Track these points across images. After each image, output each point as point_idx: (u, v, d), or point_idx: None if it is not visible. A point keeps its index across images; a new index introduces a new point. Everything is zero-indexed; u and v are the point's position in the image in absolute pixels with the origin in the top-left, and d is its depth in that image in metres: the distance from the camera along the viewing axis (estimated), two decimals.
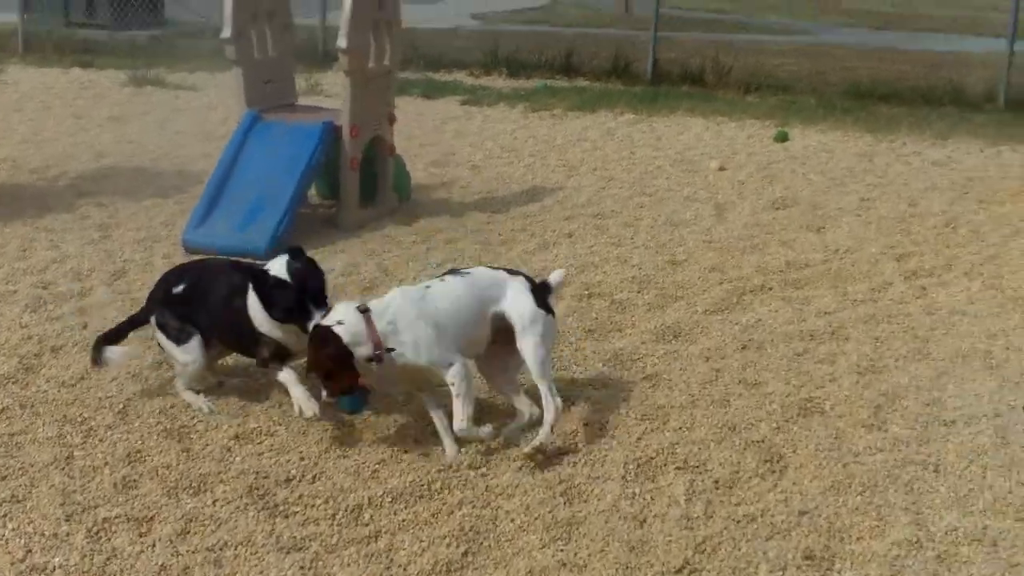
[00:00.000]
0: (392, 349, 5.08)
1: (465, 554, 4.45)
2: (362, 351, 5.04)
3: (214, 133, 12.11)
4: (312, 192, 9.39)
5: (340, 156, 8.83)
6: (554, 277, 5.61)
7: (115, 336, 5.79)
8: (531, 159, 11.56)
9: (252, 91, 9.03)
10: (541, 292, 5.46)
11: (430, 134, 12.60)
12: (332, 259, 8.01)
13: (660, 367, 6.28)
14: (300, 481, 4.95)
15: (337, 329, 5.03)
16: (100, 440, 5.28)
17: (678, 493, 4.92)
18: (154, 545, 4.43)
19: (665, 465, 5.17)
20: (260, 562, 4.35)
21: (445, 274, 5.56)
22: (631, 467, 5.13)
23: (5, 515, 4.60)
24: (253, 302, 5.42)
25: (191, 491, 4.85)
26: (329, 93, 14.37)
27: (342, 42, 8.57)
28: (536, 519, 4.69)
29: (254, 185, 8.54)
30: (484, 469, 5.07)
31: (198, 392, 5.71)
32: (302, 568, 4.31)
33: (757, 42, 21.92)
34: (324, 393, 5.12)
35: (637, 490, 4.95)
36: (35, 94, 14.33)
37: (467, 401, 5.17)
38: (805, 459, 5.25)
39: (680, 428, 5.54)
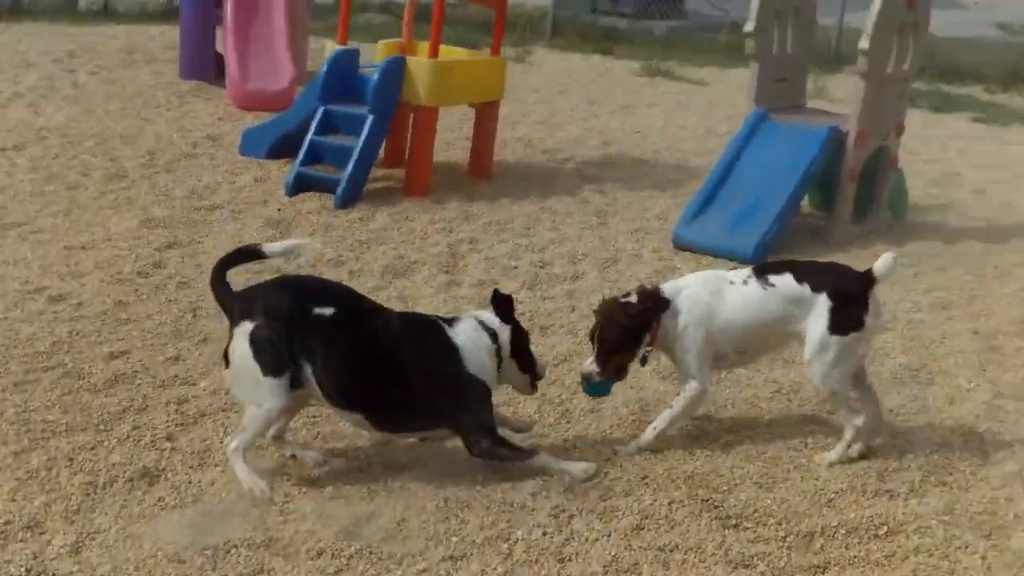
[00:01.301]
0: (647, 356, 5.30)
1: None
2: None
3: (715, 130, 12.34)
4: (803, 201, 9.32)
5: (839, 165, 8.67)
6: (880, 265, 5.20)
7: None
8: None
9: (763, 88, 9.02)
10: (850, 302, 5.16)
11: (934, 151, 12.12)
12: None
13: None
14: (755, 497, 5.00)
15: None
16: (573, 423, 5.59)
17: None
18: (610, 535, 4.65)
19: None
20: (707, 571, 4.45)
21: (752, 275, 5.35)
22: None
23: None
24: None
25: (650, 489, 5.02)
26: (835, 98, 14.14)
27: (864, 43, 8.35)
28: None
29: (751, 187, 8.59)
30: (947, 517, 4.89)
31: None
32: None
33: None
34: (594, 367, 5.21)
35: None
36: (555, 77, 15.18)
37: (673, 421, 5.31)
38: None
39: None
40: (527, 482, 4.97)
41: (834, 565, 4.55)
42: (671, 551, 4.57)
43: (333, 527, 4.53)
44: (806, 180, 8.62)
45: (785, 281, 5.26)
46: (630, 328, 5.21)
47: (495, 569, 4.35)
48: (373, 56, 9.70)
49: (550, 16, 18.95)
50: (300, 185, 9.00)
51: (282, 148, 9.65)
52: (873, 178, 8.96)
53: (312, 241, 7.79)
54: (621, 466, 5.19)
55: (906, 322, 7.12)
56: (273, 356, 4.64)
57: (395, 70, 9.02)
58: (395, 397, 4.80)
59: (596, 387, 5.34)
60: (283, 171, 9.31)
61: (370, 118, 8.95)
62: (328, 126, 9.21)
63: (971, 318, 7.25)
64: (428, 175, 9.31)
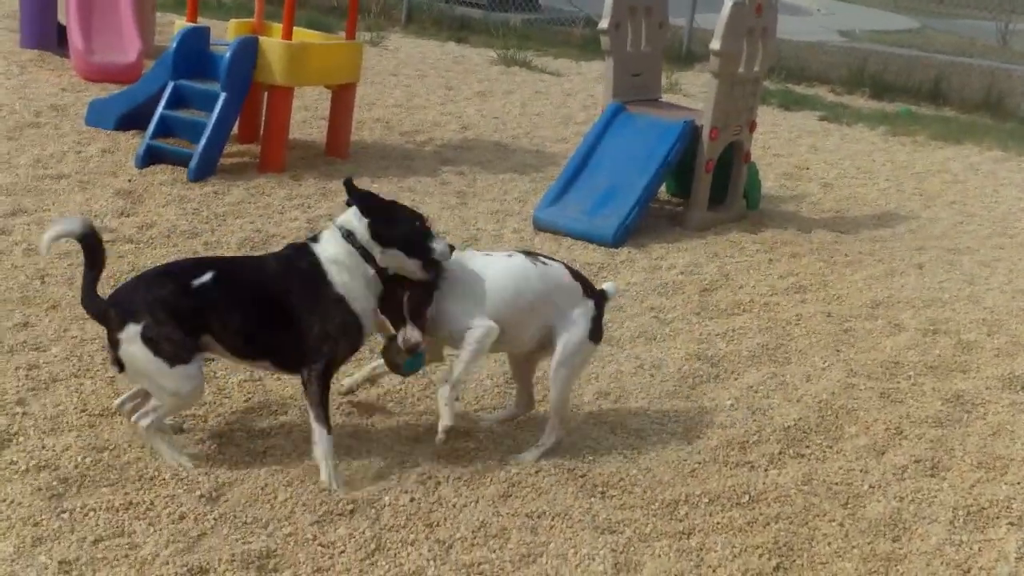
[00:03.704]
0: None
1: (776, 568, 4.40)
2: None
3: (572, 118, 12.42)
4: (660, 188, 9.45)
5: (695, 156, 8.85)
6: (609, 288, 5.18)
7: None
8: (886, 184, 11.21)
9: (620, 82, 9.17)
10: (601, 314, 5.07)
11: (785, 146, 12.43)
12: (673, 256, 8.06)
13: (1004, 416, 5.98)
14: (620, 467, 5.01)
15: None
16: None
17: (1009, 549, 4.68)
18: (477, 502, 4.60)
19: (998, 518, 4.93)
20: (575, 536, 4.45)
21: (520, 252, 5.14)
22: (960, 513, 4.92)
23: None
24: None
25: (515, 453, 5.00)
26: (687, 92, 14.41)
27: (716, 44, 8.57)
28: (854, 548, 4.58)
29: (609, 173, 8.70)
30: (805, 487, 4.99)
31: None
32: (614, 551, 4.37)
33: None
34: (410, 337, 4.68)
35: (964, 538, 4.74)
36: (411, 62, 15.07)
37: (470, 367, 4.82)
38: None
39: (1019, 483, 5.26)
40: (393, 449, 4.91)
41: (698, 531, 4.60)
42: (539, 517, 4.55)
43: (195, 492, 4.38)
44: (663, 169, 8.74)
45: (557, 268, 5.05)
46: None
47: (363, 533, 4.26)
48: (224, 35, 9.45)
49: (405, 2, 18.84)
50: (151, 157, 8.73)
51: (130, 121, 9.34)
52: (728, 169, 9.14)
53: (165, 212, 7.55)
54: (484, 438, 5.15)
55: (763, 304, 7.26)
56: (173, 346, 4.43)
57: (248, 50, 8.82)
58: (291, 335, 4.59)
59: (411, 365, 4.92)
60: (132, 143, 9.01)
61: (223, 95, 8.74)
62: (179, 101, 8.97)
63: (824, 302, 7.44)
64: (283, 152, 9.12)
